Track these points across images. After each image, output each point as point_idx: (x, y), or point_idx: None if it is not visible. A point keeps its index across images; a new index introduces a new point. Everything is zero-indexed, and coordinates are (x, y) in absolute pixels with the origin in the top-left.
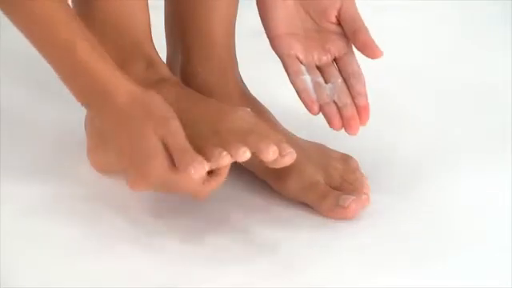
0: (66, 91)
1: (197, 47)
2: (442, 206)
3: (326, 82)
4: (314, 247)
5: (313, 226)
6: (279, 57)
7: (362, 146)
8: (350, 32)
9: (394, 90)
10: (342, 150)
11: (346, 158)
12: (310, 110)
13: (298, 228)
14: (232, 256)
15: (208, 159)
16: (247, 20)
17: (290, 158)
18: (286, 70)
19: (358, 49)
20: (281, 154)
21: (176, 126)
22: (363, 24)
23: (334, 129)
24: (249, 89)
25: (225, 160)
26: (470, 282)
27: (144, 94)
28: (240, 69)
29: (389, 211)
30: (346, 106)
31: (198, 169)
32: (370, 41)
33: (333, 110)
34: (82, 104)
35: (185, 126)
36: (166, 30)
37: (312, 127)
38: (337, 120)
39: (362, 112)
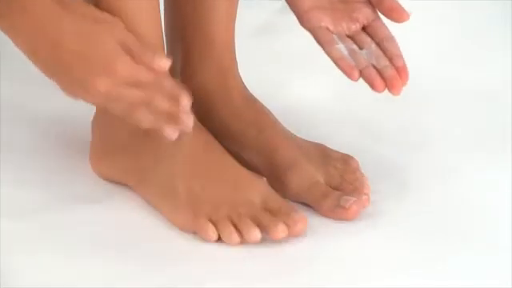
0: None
1: (196, 47)
2: (441, 207)
3: (359, 49)
4: (314, 247)
5: (313, 226)
6: (310, 31)
7: (361, 146)
8: None
9: None
10: (342, 150)
11: (346, 158)
12: (350, 76)
13: None
14: (232, 256)
15: (219, 233)
16: (247, 20)
17: (301, 224)
18: (320, 42)
19: (384, 14)
20: (293, 222)
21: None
22: None
23: (376, 91)
24: (249, 89)
25: (235, 240)
26: (470, 281)
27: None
28: (240, 69)
29: (389, 211)
30: (386, 67)
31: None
32: (396, 4)
33: (373, 72)
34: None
35: (196, 178)
36: (165, 31)
37: (312, 127)
38: (379, 81)
39: (401, 72)
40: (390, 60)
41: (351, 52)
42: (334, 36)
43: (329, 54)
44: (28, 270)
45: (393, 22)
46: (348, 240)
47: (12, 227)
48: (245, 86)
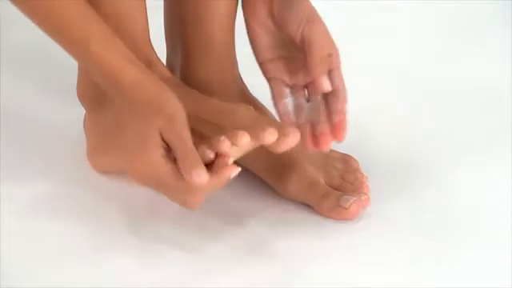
0: (65, 90)
1: (196, 47)
2: (441, 207)
3: (308, 100)
4: (314, 247)
5: (313, 226)
6: (267, 80)
7: (362, 147)
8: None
9: (395, 91)
10: (342, 150)
11: (346, 158)
12: None
13: (298, 228)
14: (231, 257)
15: (209, 147)
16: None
17: (293, 136)
18: (271, 93)
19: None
20: (284, 134)
21: (182, 126)
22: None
23: (307, 148)
24: (249, 89)
25: (224, 144)
26: (470, 282)
27: (153, 86)
28: (240, 69)
29: (388, 211)
30: (318, 123)
31: (201, 174)
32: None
33: (306, 131)
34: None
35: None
36: (165, 30)
37: None
38: (308, 141)
39: (335, 129)
40: (330, 115)
41: (296, 107)
42: (286, 89)
43: (275, 106)
44: (28, 270)
45: (390, 17)
46: (348, 240)
47: (12, 227)
48: (244, 85)
